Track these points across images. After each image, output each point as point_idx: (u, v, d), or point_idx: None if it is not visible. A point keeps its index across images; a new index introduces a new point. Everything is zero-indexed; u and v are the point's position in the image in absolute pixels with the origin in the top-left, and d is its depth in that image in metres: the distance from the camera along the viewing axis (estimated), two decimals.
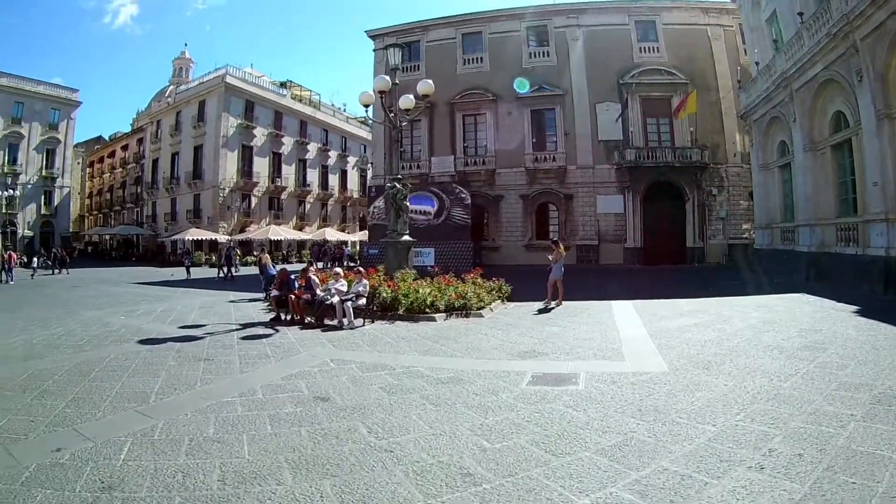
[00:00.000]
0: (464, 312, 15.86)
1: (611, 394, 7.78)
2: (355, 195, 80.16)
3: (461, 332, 13.43)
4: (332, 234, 69.37)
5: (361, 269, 17.76)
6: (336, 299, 14.90)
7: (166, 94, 76.49)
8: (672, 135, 41.31)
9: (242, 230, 63.49)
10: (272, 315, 16.74)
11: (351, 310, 14.61)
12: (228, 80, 63.16)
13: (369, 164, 61.14)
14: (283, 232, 64.66)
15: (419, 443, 6.13)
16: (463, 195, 40.18)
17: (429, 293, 16.06)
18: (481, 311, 16.14)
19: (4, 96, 65.12)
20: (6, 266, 32.97)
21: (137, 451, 6.01)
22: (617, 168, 41.08)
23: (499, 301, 18.00)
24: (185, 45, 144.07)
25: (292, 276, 17.00)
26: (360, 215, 74.54)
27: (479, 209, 42.76)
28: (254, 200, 66.29)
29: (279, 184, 68.66)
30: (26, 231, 68.06)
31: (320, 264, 40.65)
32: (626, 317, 15.41)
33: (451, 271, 19.41)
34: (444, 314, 15.63)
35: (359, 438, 6.30)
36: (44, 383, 9.01)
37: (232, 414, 7.31)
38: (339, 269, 17.80)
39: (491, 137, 43.91)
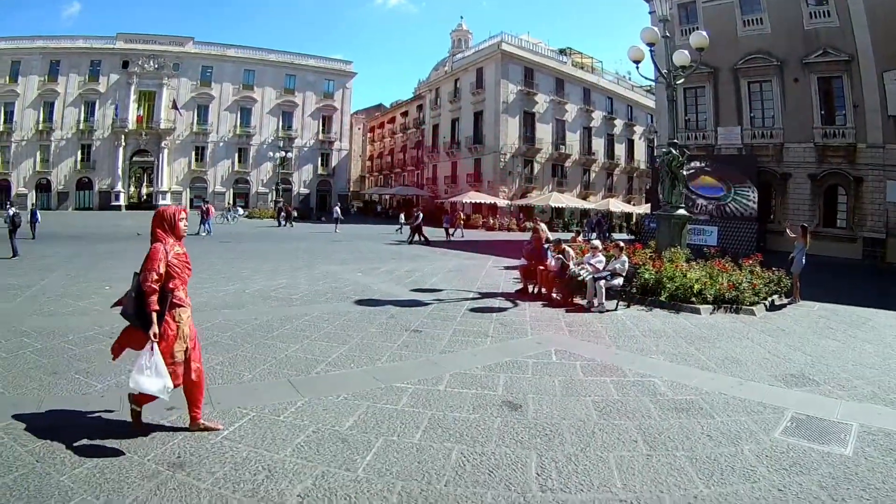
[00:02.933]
0: (734, 307, 13.09)
1: (890, 475, 4.92)
2: (642, 166, 77.01)
3: (724, 333, 10.80)
4: (617, 205, 67.09)
5: (622, 243, 15.45)
6: (588, 276, 12.91)
7: (444, 65, 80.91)
8: None
9: (524, 195, 64.09)
10: (520, 286, 15.14)
11: (603, 290, 12.57)
12: (504, 47, 63.74)
13: (654, 134, 57.85)
14: (566, 199, 63.54)
15: None
16: (749, 174, 36.35)
17: (697, 279, 13.45)
18: (753, 308, 13.08)
19: (274, 70, 78.69)
20: (203, 219, 35.54)
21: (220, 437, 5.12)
22: None
23: (776, 296, 14.75)
24: (462, 17, 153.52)
25: (546, 246, 15.16)
26: (647, 187, 71.21)
27: (765, 187, 38.32)
28: (536, 167, 66.40)
29: (563, 151, 67.84)
30: (302, 189, 79.35)
31: (593, 235, 38.71)
32: None
33: (729, 255, 16.43)
34: (710, 306, 12.91)
35: (517, 483, 4.52)
36: (215, 336, 8.80)
37: (386, 407, 6.11)
38: (596, 242, 15.53)
39: (778, 108, 38.98)
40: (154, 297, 4.82)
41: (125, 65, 71.03)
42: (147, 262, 4.93)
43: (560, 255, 14.13)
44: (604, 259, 14.13)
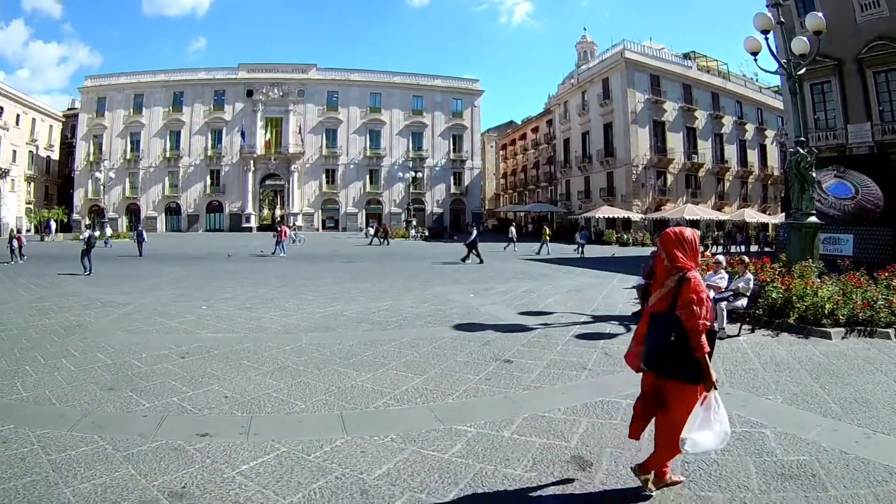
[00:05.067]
0: (867, 329, 11.41)
1: None
2: (776, 172, 72.12)
3: (856, 364, 9.18)
4: (752, 215, 63.34)
5: (746, 258, 13.66)
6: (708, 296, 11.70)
7: (571, 78, 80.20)
8: None
9: (658, 208, 62.34)
10: (638, 308, 13.93)
11: (724, 312, 11.18)
12: (627, 55, 63.10)
13: (785, 137, 54.89)
14: (700, 211, 60.69)
15: None
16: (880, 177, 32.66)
17: (829, 297, 11.97)
18: (889, 332, 11.42)
19: (401, 92, 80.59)
20: (279, 240, 36.34)
21: None
22: None
23: None
24: (585, 29, 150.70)
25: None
26: (782, 195, 67.66)
27: None
28: (669, 178, 64.62)
29: (695, 160, 65.75)
30: (435, 208, 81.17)
31: (732, 248, 36.54)
32: None
33: (864, 266, 14.64)
34: (842, 329, 11.25)
35: None
36: (286, 361, 8.91)
37: (431, 455, 5.39)
38: (720, 258, 13.87)
39: None
40: (704, 338, 4.12)
41: (249, 93, 76.21)
42: (690, 294, 4.17)
43: None
44: (727, 276, 12.77)
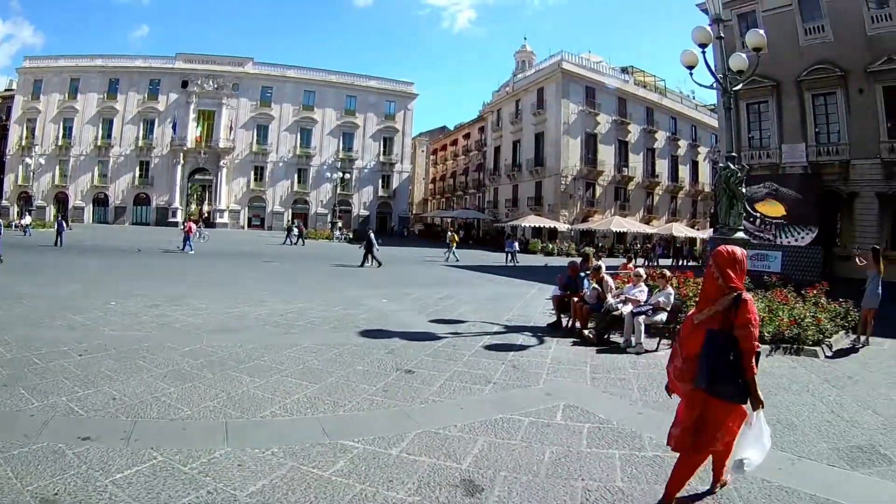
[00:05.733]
0: (794, 347, 11.33)
1: None
2: (707, 189, 73.34)
3: (781, 383, 8.97)
4: (680, 230, 65.50)
5: (667, 272, 13.48)
6: (626, 310, 11.39)
7: (507, 87, 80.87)
8: None
9: (585, 219, 63.17)
10: (554, 319, 13.58)
11: (643, 326, 11.02)
12: (564, 65, 63.65)
13: (717, 154, 56.33)
14: (628, 224, 62.02)
15: None
16: (811, 199, 34.22)
17: None
18: (816, 349, 11.35)
19: (335, 91, 79.90)
20: (186, 235, 35.37)
21: None
22: None
23: (842, 333, 12.90)
24: (525, 38, 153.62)
25: (583, 274, 13.66)
26: (711, 211, 69.63)
27: (830, 208, 36.20)
28: (598, 189, 65.50)
29: (626, 173, 67.10)
30: (362, 210, 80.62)
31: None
32: None
33: (792, 283, 14.76)
34: (767, 346, 11.03)
35: None
36: (181, 363, 8.47)
37: (311, 472, 5.00)
38: (640, 271, 13.73)
39: (843, 121, 36.82)
40: (754, 360, 4.19)
41: (184, 84, 73.87)
42: (749, 315, 4.18)
43: (597, 285, 12.62)
44: (646, 290, 12.55)
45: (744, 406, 4.27)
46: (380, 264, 28.59)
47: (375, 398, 7.17)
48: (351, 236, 63.16)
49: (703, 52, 15.10)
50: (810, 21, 37.89)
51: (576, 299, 12.57)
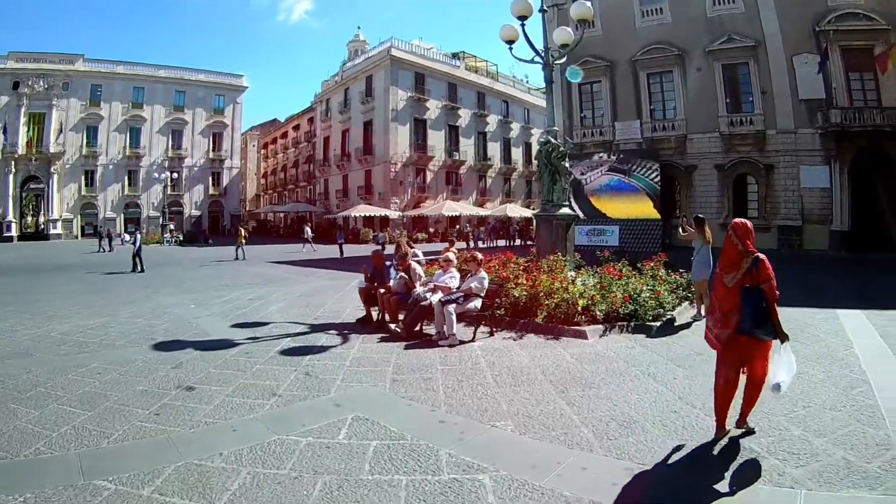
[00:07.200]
0: (630, 325, 11.20)
1: None
2: None
3: (615, 367, 8.60)
4: (515, 210, 68.09)
5: (479, 254, 12.61)
6: (435, 299, 10.90)
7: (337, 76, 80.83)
8: (878, 93, 34.66)
9: (417, 206, 63.95)
10: (363, 314, 12.99)
11: (454, 316, 10.49)
12: (394, 52, 64.02)
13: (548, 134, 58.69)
14: (460, 208, 63.67)
15: None
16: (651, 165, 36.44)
17: (581, 293, 11.67)
18: (655, 325, 11.34)
19: (164, 87, 76.84)
20: (109, 238, 35.74)
21: None
22: (821, 133, 35.28)
23: (686, 304, 13.05)
24: (359, 28, 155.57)
25: (389, 264, 13.23)
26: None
27: (669, 181, 38.79)
28: (429, 175, 66.47)
29: (457, 158, 68.57)
30: (194, 211, 78.17)
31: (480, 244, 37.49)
32: (873, 347, 9.78)
33: (627, 257, 14.73)
34: (601, 326, 10.97)
35: None
36: None
37: None
38: (450, 255, 13.10)
39: (680, 99, 39.94)
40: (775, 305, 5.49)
41: (16, 86, 66.45)
42: (768, 272, 5.48)
43: (404, 274, 12.17)
44: (458, 276, 12.06)
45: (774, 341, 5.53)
46: (143, 270, 26.92)
47: (146, 424, 6.38)
48: (181, 238, 60.45)
49: (523, 25, 15.04)
50: (649, 4, 40.29)
51: (382, 291, 12.09)
